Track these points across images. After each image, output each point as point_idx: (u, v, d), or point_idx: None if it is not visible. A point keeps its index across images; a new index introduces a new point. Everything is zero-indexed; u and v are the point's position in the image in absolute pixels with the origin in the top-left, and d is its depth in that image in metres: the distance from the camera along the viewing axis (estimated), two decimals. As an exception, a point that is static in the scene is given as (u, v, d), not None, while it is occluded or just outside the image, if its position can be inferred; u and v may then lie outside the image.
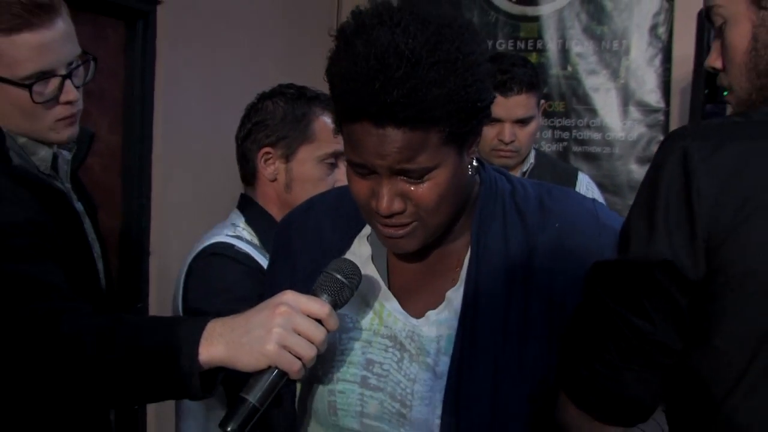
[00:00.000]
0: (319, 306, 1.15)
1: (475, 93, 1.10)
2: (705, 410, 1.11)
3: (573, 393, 1.16)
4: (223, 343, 1.15)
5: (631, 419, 1.17)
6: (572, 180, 2.64)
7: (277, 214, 1.81)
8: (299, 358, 1.13)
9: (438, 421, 1.17)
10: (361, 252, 1.29)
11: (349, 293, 1.18)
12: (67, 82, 1.57)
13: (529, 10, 4.58)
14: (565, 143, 4.55)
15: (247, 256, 1.70)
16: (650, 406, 1.16)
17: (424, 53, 1.06)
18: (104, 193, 3.27)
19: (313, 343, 1.13)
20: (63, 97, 1.57)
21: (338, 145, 1.79)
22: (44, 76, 1.53)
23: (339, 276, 1.17)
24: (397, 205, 1.14)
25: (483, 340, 1.17)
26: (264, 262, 1.71)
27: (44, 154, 1.62)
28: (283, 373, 1.13)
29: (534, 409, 1.16)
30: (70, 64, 1.58)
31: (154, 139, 3.38)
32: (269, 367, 1.13)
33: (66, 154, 1.68)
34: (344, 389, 1.23)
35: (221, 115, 3.71)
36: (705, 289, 1.08)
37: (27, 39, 1.50)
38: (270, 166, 1.80)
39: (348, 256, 1.28)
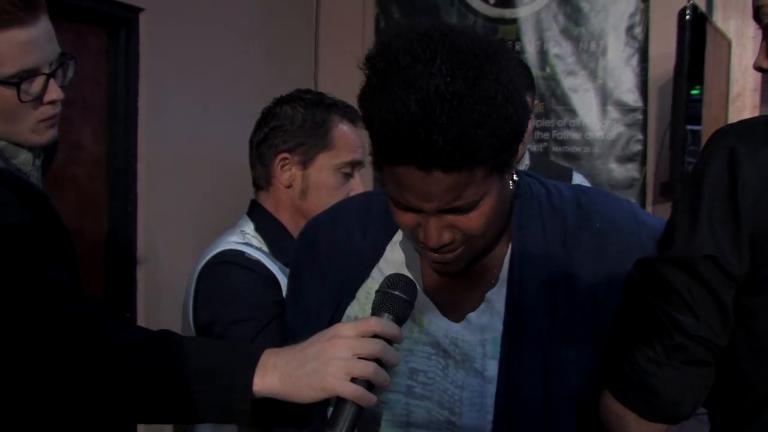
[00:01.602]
0: (374, 322, 1.13)
1: (516, 121, 1.10)
2: (748, 408, 1.10)
3: (617, 389, 1.16)
4: (277, 375, 1.15)
5: (674, 416, 1.17)
6: (567, 179, 2.66)
7: (288, 221, 1.80)
8: (370, 381, 1.12)
9: (490, 426, 1.16)
10: (394, 258, 1.28)
11: (410, 307, 1.16)
12: (51, 81, 1.53)
13: (507, 13, 4.62)
14: (545, 143, 4.58)
15: (258, 263, 1.69)
16: (694, 403, 1.15)
17: (464, 92, 1.03)
18: (89, 201, 3.26)
19: (378, 359, 1.12)
20: (47, 97, 1.52)
21: (356, 153, 1.80)
22: (29, 74, 1.49)
23: (397, 292, 1.15)
24: (447, 237, 1.14)
25: (530, 341, 1.16)
26: (274, 269, 1.70)
27: (24, 157, 1.56)
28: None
29: (583, 407, 1.16)
30: (51, 63, 1.53)
31: (139, 146, 3.36)
32: (347, 401, 1.11)
33: (37, 162, 1.62)
34: (388, 400, 1.22)
35: (206, 121, 3.71)
36: (748, 283, 1.08)
37: (15, 36, 1.45)
38: (286, 172, 1.78)
39: (381, 263, 1.28)
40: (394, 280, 1.17)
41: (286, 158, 1.78)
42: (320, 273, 1.32)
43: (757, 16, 1.20)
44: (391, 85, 1.05)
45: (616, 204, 1.28)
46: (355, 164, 1.82)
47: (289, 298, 1.39)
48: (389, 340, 1.14)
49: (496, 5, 4.63)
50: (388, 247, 1.30)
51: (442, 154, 1.04)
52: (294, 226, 1.79)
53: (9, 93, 1.48)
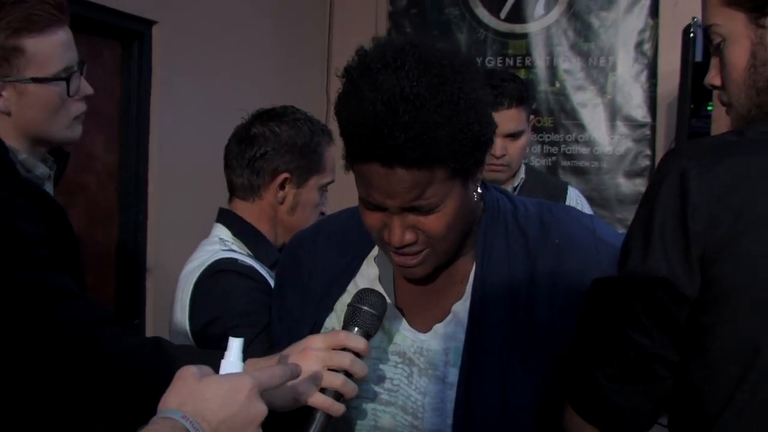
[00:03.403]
0: (343, 336, 1.19)
1: (478, 129, 1.15)
2: (702, 423, 1.12)
3: (577, 404, 1.19)
4: None
5: (634, 430, 1.20)
6: (562, 194, 2.67)
7: (268, 231, 1.86)
8: (339, 392, 1.17)
9: (450, 430, 1.22)
10: (368, 273, 1.34)
11: (378, 321, 1.22)
12: (82, 78, 1.62)
13: (517, 28, 4.66)
14: (554, 158, 4.61)
15: (252, 269, 1.74)
16: (652, 415, 1.18)
17: (427, 96, 1.10)
18: (101, 210, 3.31)
19: (346, 370, 1.18)
20: (82, 92, 1.62)
21: (333, 174, 1.91)
22: (69, 71, 1.58)
23: (366, 307, 1.21)
24: (409, 237, 1.19)
25: (490, 350, 1.22)
26: (264, 272, 1.75)
27: (42, 171, 1.64)
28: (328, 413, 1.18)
29: (539, 414, 1.21)
30: (79, 63, 1.63)
31: (150, 156, 3.42)
32: (317, 410, 1.17)
33: (50, 174, 1.69)
34: (357, 405, 1.27)
35: (217, 132, 3.73)
36: (700, 302, 1.10)
37: (60, 36, 1.55)
38: (282, 191, 1.85)
39: (357, 277, 1.34)
40: (363, 295, 1.23)
41: (287, 178, 1.84)
42: (302, 289, 1.39)
43: (707, 35, 1.21)
44: (361, 89, 1.13)
45: (577, 221, 1.33)
46: (330, 183, 1.94)
47: (274, 310, 1.46)
48: (357, 353, 1.20)
49: (506, 20, 4.67)
50: (365, 263, 1.36)
51: (402, 150, 1.10)
52: (272, 235, 1.87)
53: (56, 89, 1.57)
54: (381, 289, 1.31)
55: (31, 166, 1.62)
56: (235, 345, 1.09)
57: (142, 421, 1.32)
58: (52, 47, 1.55)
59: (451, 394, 1.22)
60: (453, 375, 1.23)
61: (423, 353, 1.27)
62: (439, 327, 1.28)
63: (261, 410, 1.04)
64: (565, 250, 1.26)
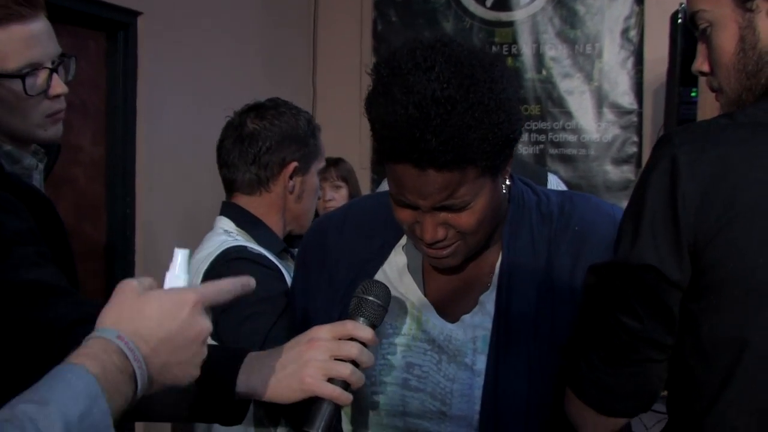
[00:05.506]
0: (350, 326, 1.20)
1: (508, 128, 1.17)
2: (699, 406, 1.14)
3: (575, 387, 1.21)
4: (260, 377, 1.19)
5: (629, 411, 1.22)
6: (542, 181, 2.66)
7: (278, 221, 1.89)
8: (346, 381, 1.17)
9: (477, 416, 1.24)
10: (397, 261, 1.36)
11: (384, 311, 1.23)
12: (55, 76, 1.57)
13: (504, 16, 4.66)
14: (542, 146, 4.62)
15: (262, 256, 1.76)
16: (649, 397, 1.19)
17: (459, 98, 1.11)
18: (88, 203, 3.29)
19: (354, 360, 1.18)
20: (52, 91, 1.56)
21: (324, 159, 2.00)
22: (33, 68, 1.53)
23: (371, 298, 1.22)
24: (440, 233, 1.21)
25: (516, 338, 1.25)
26: (274, 259, 1.78)
27: (28, 162, 1.60)
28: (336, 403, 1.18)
29: (563, 400, 1.24)
30: (54, 60, 1.57)
31: (137, 149, 3.40)
32: (324, 400, 1.17)
33: (40, 165, 1.66)
34: (386, 391, 1.30)
35: (204, 124, 3.73)
36: (691, 290, 1.11)
37: (17, 31, 1.50)
38: (291, 180, 1.89)
39: (385, 266, 1.36)
40: (368, 286, 1.24)
41: (297, 167, 1.88)
42: (328, 273, 1.39)
43: (693, 21, 1.22)
44: (392, 90, 1.14)
45: (596, 207, 1.34)
46: (324, 167, 2.03)
47: (298, 294, 1.47)
48: (364, 343, 1.20)
49: (492, 8, 4.67)
50: (393, 251, 1.37)
51: (435, 154, 1.12)
52: (281, 224, 1.90)
53: (15, 87, 1.52)
54: (410, 279, 1.34)
55: (18, 157, 1.59)
56: (180, 256, 1.03)
57: (134, 415, 1.31)
58: (8, 42, 1.49)
59: (479, 381, 1.25)
60: (481, 362, 1.26)
61: (451, 341, 1.29)
62: (466, 317, 1.30)
63: (205, 326, 0.98)
64: (584, 237, 1.28)
